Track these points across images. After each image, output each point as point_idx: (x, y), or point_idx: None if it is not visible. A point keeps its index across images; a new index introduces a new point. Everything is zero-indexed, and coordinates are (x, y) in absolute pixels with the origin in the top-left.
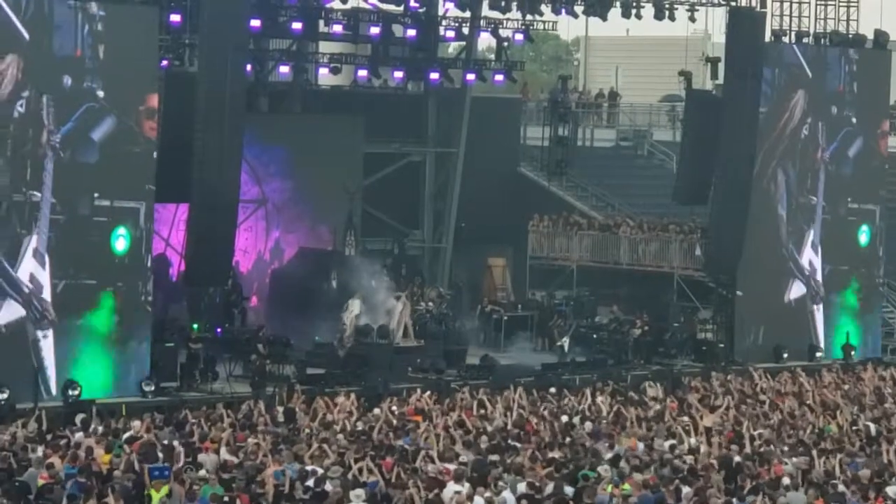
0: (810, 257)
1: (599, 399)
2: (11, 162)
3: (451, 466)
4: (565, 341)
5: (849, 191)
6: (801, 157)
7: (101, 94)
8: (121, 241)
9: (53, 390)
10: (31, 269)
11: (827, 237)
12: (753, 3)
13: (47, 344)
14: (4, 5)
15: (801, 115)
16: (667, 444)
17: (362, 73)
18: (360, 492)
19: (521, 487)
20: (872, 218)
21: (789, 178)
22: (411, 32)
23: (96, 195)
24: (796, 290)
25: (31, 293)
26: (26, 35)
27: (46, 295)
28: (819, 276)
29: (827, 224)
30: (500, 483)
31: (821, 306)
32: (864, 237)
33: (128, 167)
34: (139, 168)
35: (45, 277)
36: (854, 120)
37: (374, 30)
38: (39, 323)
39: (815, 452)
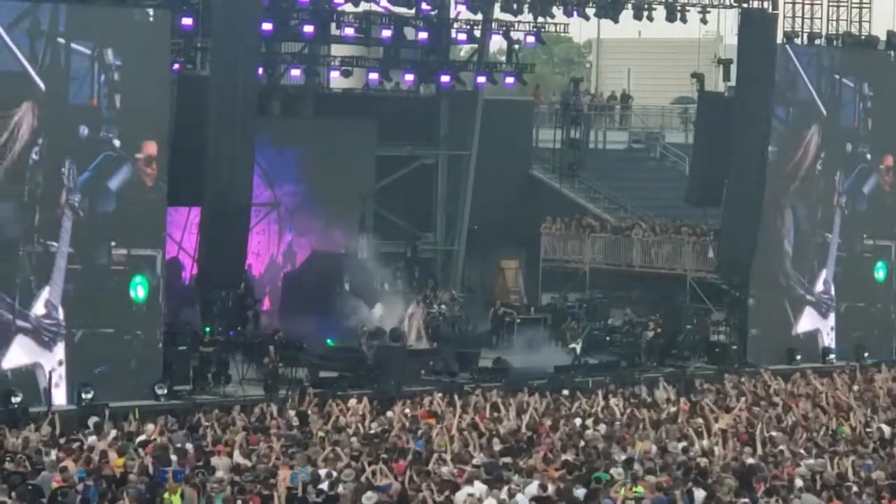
0: (825, 290)
1: (612, 401)
2: (25, 210)
3: (465, 469)
4: (578, 344)
5: (864, 227)
6: (814, 192)
7: (117, 142)
8: (139, 290)
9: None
10: (42, 315)
11: (843, 274)
12: (765, 5)
13: (59, 393)
14: (20, 56)
15: (816, 151)
16: (679, 446)
17: (374, 76)
18: (372, 494)
19: (533, 489)
20: (888, 254)
21: (797, 215)
22: (423, 35)
23: (113, 244)
24: (806, 321)
25: (40, 318)
26: (42, 86)
27: (60, 344)
28: (832, 299)
29: (842, 261)
30: (513, 486)
31: (832, 320)
32: (880, 273)
33: (144, 215)
34: (155, 215)
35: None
36: (868, 156)
37: (386, 32)
38: (51, 342)
39: (828, 454)
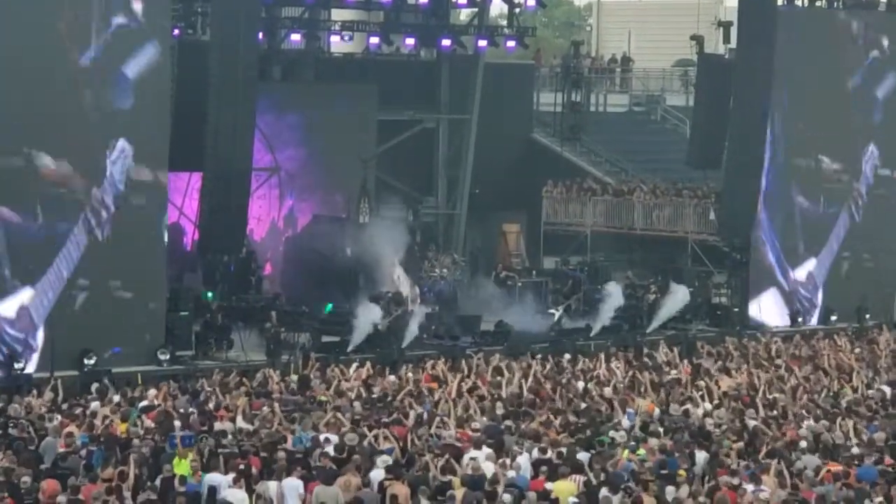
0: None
1: (614, 364)
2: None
3: (467, 432)
4: (558, 311)
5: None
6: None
7: (138, 7)
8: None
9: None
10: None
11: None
12: None
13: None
14: None
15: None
16: (681, 409)
17: (374, 40)
18: (386, 457)
19: (536, 453)
20: None
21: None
22: None
23: (132, 164)
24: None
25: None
26: None
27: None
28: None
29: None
30: (515, 448)
31: None
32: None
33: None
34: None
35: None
36: (885, 42)
37: None
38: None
39: (829, 416)
